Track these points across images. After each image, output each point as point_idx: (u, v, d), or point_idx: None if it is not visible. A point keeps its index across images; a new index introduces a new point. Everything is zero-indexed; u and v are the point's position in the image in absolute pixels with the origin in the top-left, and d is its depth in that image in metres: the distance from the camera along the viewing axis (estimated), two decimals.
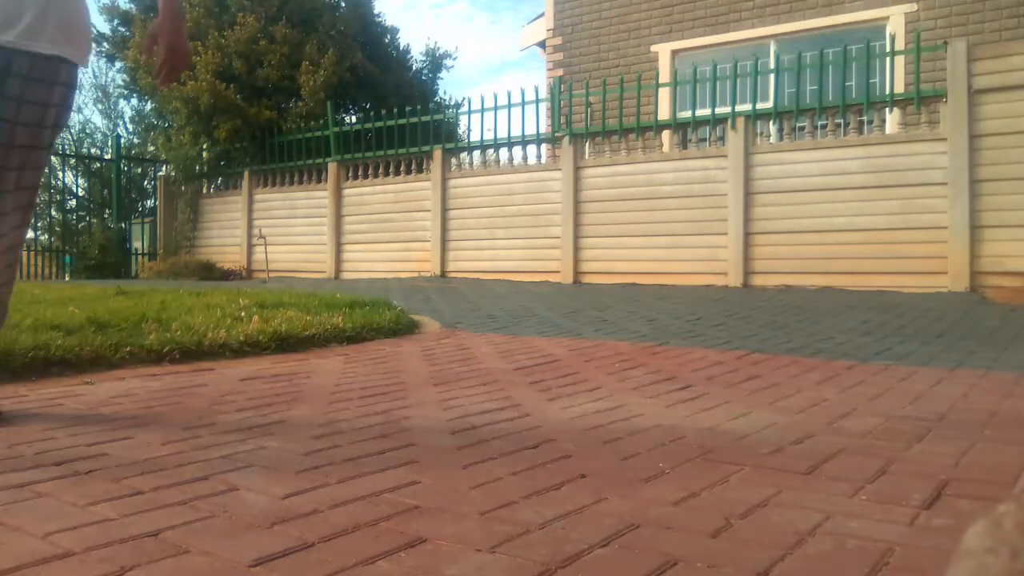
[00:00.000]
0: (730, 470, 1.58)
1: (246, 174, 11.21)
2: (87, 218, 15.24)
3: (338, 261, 10.25)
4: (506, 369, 3.00)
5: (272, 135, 11.11)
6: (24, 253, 11.96)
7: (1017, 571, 0.45)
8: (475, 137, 9.62)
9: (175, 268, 10.79)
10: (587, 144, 8.32)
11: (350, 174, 10.26)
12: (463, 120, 11.51)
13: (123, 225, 12.53)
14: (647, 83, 8.56)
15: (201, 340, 3.28)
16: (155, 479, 1.50)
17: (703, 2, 10.22)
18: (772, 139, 7.39)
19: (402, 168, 9.79)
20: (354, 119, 11.84)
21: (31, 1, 1.73)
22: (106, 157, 14.81)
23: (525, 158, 8.93)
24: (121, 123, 19.21)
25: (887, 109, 7.21)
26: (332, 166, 10.27)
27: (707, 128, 7.72)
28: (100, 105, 20.15)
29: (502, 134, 9.02)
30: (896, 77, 8.42)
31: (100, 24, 13.46)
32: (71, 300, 4.46)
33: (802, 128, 7.29)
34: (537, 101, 8.91)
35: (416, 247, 9.49)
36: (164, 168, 12.60)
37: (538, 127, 9.04)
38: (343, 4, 12.69)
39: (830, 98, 7.48)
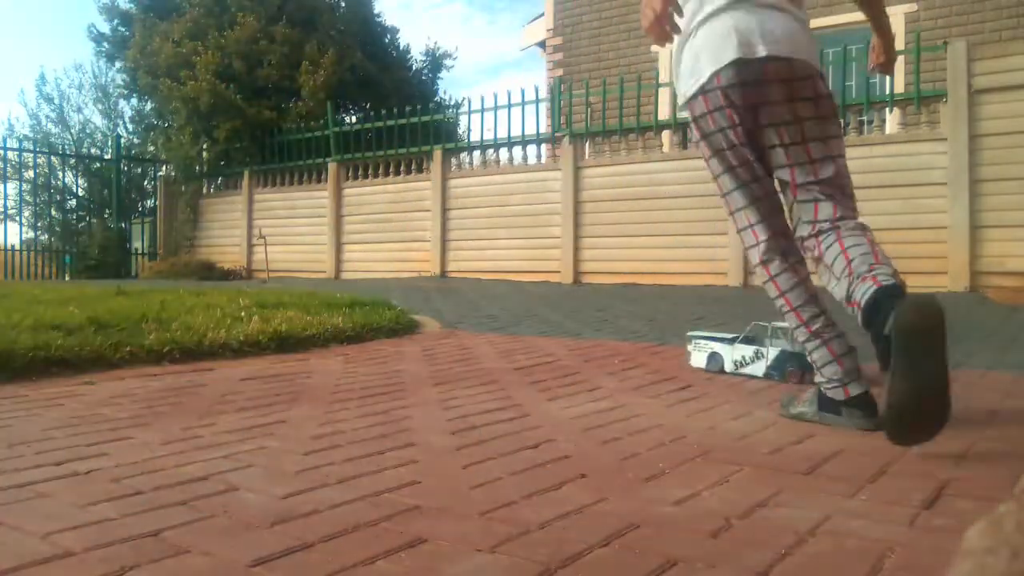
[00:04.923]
0: (730, 470, 1.58)
1: (246, 174, 11.21)
2: (87, 218, 15.26)
3: (338, 261, 10.25)
4: (506, 369, 3.00)
5: (272, 135, 11.11)
6: (24, 253, 11.96)
7: (1017, 571, 0.45)
8: (475, 137, 9.62)
9: (175, 268, 10.80)
10: (587, 144, 8.32)
11: (350, 174, 10.26)
12: (463, 120, 11.52)
13: (123, 225, 12.54)
14: (647, 83, 8.56)
15: (201, 340, 3.28)
16: (155, 479, 1.50)
17: None
18: None
19: (402, 168, 9.79)
20: (354, 119, 11.84)
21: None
22: (106, 157, 14.81)
23: (525, 158, 8.93)
24: (121, 123, 19.23)
25: (887, 109, 7.21)
26: (332, 166, 10.27)
27: None
28: (100, 105, 20.13)
29: (502, 134, 9.02)
30: (896, 77, 8.42)
31: (100, 24, 13.43)
32: (71, 300, 4.46)
33: None
34: (537, 101, 8.91)
35: (416, 247, 9.49)
36: (164, 168, 12.60)
37: (538, 127, 9.04)
38: (343, 4, 12.69)
39: None
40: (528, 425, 2.01)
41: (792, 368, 2.67)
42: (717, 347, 2.90)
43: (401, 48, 13.22)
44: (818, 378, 2.03)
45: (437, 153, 9.26)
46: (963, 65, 6.31)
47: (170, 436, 1.87)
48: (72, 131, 19.80)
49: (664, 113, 9.33)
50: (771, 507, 1.35)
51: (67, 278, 11.67)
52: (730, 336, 2.95)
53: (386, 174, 9.97)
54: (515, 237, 8.66)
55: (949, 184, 6.33)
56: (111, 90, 19.02)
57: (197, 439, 1.84)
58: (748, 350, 2.82)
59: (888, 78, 8.21)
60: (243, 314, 3.98)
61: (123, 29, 12.99)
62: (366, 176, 10.13)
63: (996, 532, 0.48)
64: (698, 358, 2.96)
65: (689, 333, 3.11)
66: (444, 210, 9.19)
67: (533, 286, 7.64)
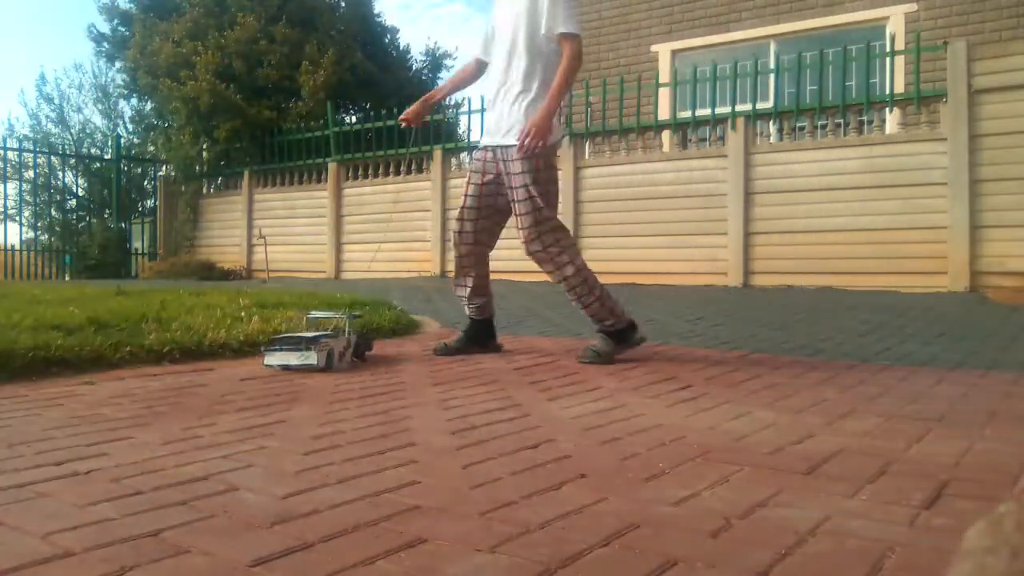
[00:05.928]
0: (730, 470, 1.58)
1: (246, 174, 11.21)
2: (87, 218, 15.24)
3: (338, 261, 10.25)
4: (506, 369, 3.01)
5: (272, 135, 11.11)
6: (24, 253, 11.96)
7: (1017, 571, 0.45)
8: (475, 137, 9.61)
9: (175, 268, 10.79)
10: (587, 144, 8.32)
11: (350, 174, 10.26)
12: (463, 120, 11.52)
13: (123, 225, 12.53)
14: (647, 83, 8.56)
15: (201, 340, 3.28)
16: (155, 479, 1.50)
17: (703, 2, 10.22)
18: (772, 139, 7.39)
19: (402, 168, 9.79)
20: (354, 119, 11.84)
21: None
22: (106, 157, 14.80)
23: None
24: (121, 123, 19.18)
25: (887, 109, 7.21)
26: (332, 166, 10.27)
27: (707, 128, 7.72)
28: (100, 105, 20.10)
29: None
30: (896, 77, 8.42)
31: (100, 24, 13.42)
32: (71, 300, 4.46)
33: (802, 128, 7.29)
34: None
35: (416, 247, 9.49)
36: (164, 168, 12.60)
37: None
38: (343, 4, 12.68)
39: (830, 98, 7.48)
40: (528, 425, 2.01)
41: (363, 347, 3.26)
42: (332, 343, 3.05)
43: (401, 48, 13.21)
44: (610, 323, 3.29)
45: (437, 153, 9.26)
46: (963, 65, 6.31)
47: (170, 436, 1.87)
48: (72, 131, 19.77)
49: (664, 113, 9.33)
50: (771, 507, 1.35)
51: (67, 278, 11.67)
52: (315, 334, 3.12)
53: (386, 174, 9.97)
54: (515, 237, 8.64)
55: (949, 184, 6.33)
56: (111, 90, 18.98)
57: (197, 439, 1.84)
58: (343, 341, 3.15)
59: (889, 77, 8.26)
60: (243, 314, 3.98)
61: (123, 29, 12.98)
62: (366, 176, 10.12)
63: (996, 532, 0.48)
64: (320, 357, 3.02)
65: (277, 337, 3.14)
66: (444, 210, 9.18)
67: (533, 286, 7.64)
